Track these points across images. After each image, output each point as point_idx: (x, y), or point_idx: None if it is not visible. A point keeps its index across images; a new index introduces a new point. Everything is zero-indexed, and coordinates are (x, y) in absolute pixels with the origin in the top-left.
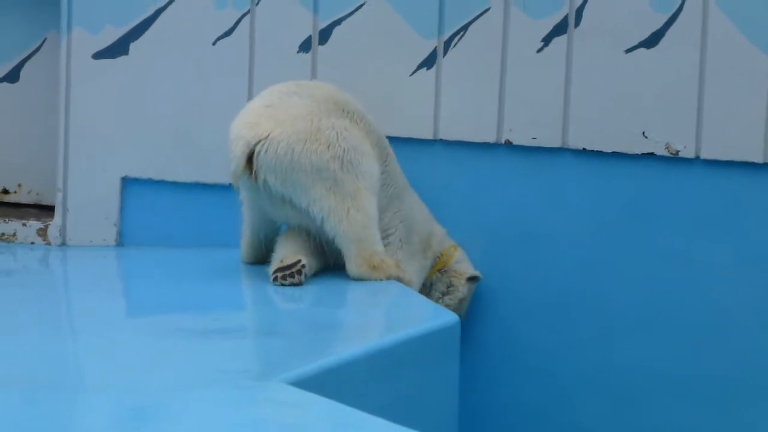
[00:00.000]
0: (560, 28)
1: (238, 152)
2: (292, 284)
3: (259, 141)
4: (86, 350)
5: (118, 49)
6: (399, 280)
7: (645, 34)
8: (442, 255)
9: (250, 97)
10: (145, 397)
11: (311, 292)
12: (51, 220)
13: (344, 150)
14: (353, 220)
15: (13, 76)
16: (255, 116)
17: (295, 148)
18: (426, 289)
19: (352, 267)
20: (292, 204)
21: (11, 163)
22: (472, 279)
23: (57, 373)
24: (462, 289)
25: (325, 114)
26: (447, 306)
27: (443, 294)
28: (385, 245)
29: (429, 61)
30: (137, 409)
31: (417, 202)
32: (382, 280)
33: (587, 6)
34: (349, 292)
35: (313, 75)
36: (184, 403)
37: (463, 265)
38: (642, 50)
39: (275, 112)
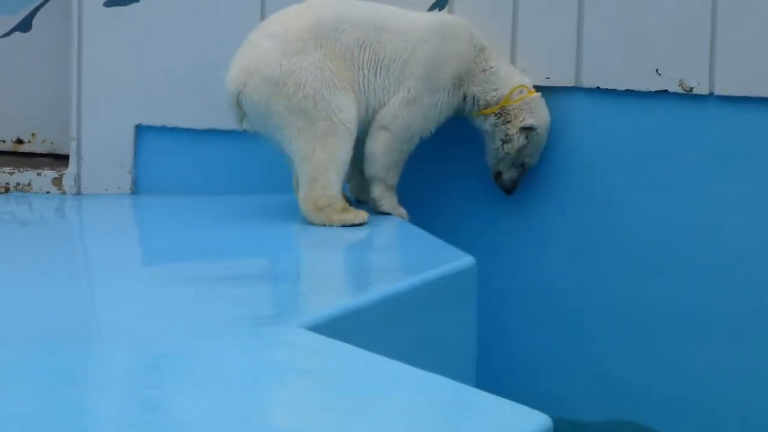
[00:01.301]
0: None
1: (230, 104)
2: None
3: (239, 92)
4: (103, 299)
5: None
6: (344, 224)
7: None
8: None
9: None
10: (162, 344)
11: (327, 236)
12: (65, 170)
13: (314, 89)
14: (315, 160)
15: (25, 26)
16: (236, 67)
17: (267, 95)
18: (488, 136)
19: (300, 205)
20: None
21: (25, 113)
22: (525, 129)
23: (74, 323)
24: (517, 138)
25: (294, 53)
26: (506, 154)
27: (503, 142)
28: None
29: (441, 1)
30: (155, 356)
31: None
32: (325, 224)
33: None
34: (365, 235)
35: None
36: (201, 350)
37: (522, 114)
38: None
39: (250, 61)
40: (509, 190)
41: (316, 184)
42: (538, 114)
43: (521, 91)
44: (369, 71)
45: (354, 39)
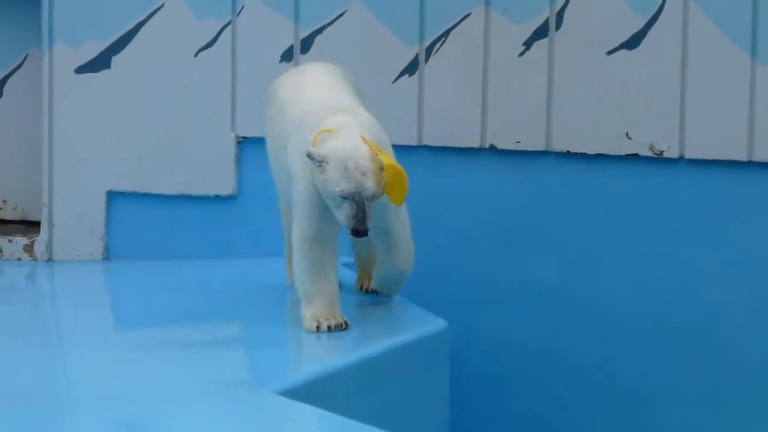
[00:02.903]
0: (541, 32)
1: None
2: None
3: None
4: (76, 365)
5: (100, 63)
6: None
7: (626, 36)
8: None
9: (233, 108)
10: (135, 409)
11: (299, 300)
12: (37, 236)
13: None
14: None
15: None
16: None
17: None
18: None
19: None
20: None
21: None
22: (309, 158)
23: (46, 389)
24: (315, 176)
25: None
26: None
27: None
28: None
29: (411, 68)
30: (128, 422)
31: None
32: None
33: (568, 9)
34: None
35: None
36: (174, 416)
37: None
38: (623, 51)
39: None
40: (352, 230)
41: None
42: (325, 144)
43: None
44: None
45: None
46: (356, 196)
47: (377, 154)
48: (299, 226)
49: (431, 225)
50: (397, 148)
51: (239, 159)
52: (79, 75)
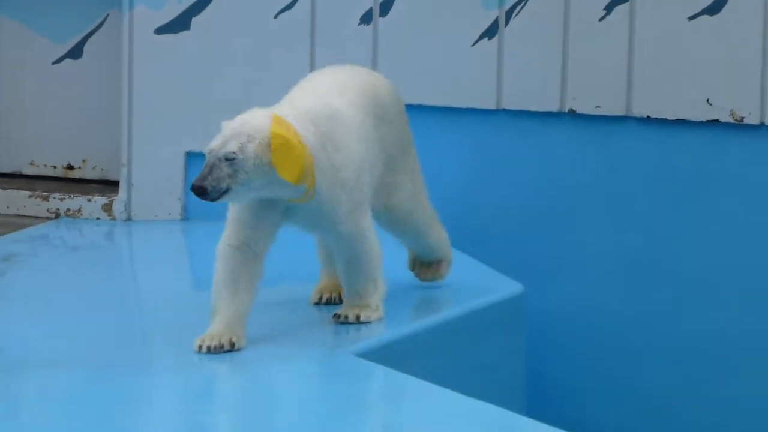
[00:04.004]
0: None
1: None
2: None
3: None
4: (153, 326)
5: (180, 24)
6: None
7: (708, 1)
8: None
9: (311, 70)
10: (211, 371)
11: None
12: (116, 196)
13: None
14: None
15: (76, 53)
16: None
17: None
18: None
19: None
20: None
21: (75, 140)
22: None
23: (124, 350)
24: None
25: None
26: None
27: None
28: None
29: (491, 31)
30: (205, 382)
31: None
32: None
33: None
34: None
35: (375, 47)
36: (252, 377)
37: None
38: (705, 17)
39: None
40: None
41: None
42: None
43: None
44: None
45: None
46: (206, 151)
47: (276, 128)
48: (225, 232)
49: (508, 189)
50: (476, 112)
51: None
52: (159, 36)
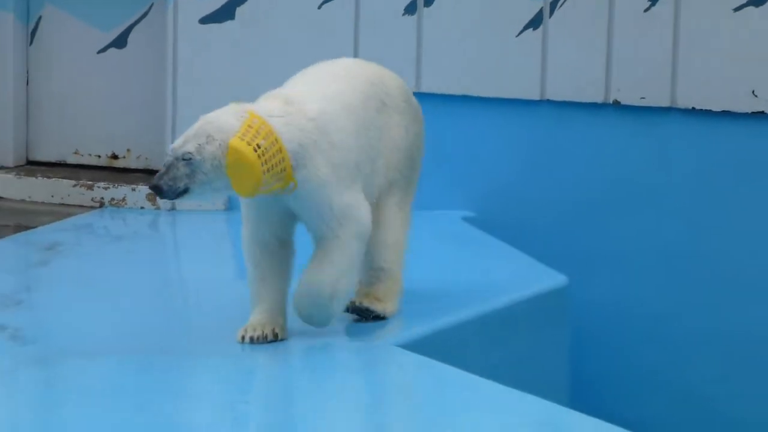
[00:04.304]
0: None
1: None
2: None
3: None
4: (196, 314)
5: (224, 13)
6: None
7: None
8: None
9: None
10: (252, 360)
11: (417, 255)
12: None
13: None
14: None
15: (120, 42)
16: None
17: None
18: None
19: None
20: None
21: (120, 129)
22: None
23: (167, 338)
24: None
25: None
26: None
27: None
28: None
29: (535, 22)
30: (248, 372)
31: None
32: None
33: None
34: (456, 254)
35: (419, 38)
36: (294, 367)
37: None
38: (750, 8)
39: None
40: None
41: None
42: None
43: None
44: None
45: None
46: (169, 149)
47: (234, 141)
48: (242, 228)
49: (552, 180)
50: (520, 103)
51: None
52: (203, 25)
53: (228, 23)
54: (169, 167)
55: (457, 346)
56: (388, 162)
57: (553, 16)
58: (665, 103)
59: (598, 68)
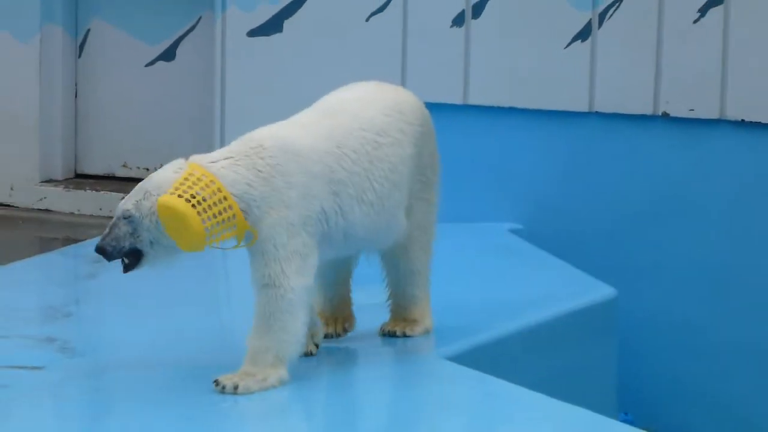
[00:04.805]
0: None
1: None
2: None
3: None
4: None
5: (272, 26)
6: None
7: None
8: None
9: (403, 73)
10: (302, 374)
11: (462, 266)
12: None
13: None
14: None
15: (169, 55)
16: None
17: None
18: None
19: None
20: None
21: (168, 141)
22: None
23: (214, 352)
24: None
25: None
26: None
27: None
28: None
29: (584, 34)
30: (293, 384)
31: None
32: None
33: None
34: (502, 265)
35: (466, 50)
36: (342, 378)
37: None
38: None
39: None
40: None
41: None
42: None
43: None
44: None
45: None
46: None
47: (164, 198)
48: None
49: (600, 191)
50: (567, 114)
51: None
52: (251, 38)
53: (276, 36)
54: (112, 227)
55: (505, 359)
56: (410, 191)
57: (601, 28)
58: (714, 115)
59: (647, 80)
